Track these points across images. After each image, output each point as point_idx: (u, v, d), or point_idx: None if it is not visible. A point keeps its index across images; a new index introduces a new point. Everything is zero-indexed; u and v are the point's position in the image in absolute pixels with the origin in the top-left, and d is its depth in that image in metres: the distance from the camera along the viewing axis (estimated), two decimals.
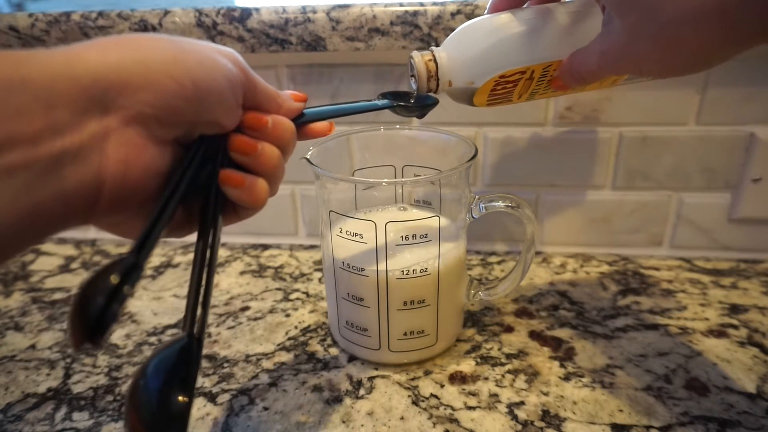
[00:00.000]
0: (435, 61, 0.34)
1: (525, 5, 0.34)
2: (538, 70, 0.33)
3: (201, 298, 0.24)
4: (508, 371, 0.41)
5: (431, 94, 0.36)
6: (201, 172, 0.27)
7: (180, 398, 0.21)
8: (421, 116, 0.39)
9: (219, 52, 0.26)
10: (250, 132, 0.28)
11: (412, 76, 0.35)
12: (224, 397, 0.40)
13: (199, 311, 0.24)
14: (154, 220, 0.23)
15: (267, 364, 0.43)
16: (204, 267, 0.25)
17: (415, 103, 0.37)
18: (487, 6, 0.34)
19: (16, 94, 0.19)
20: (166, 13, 0.51)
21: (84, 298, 0.19)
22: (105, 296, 0.19)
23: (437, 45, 0.49)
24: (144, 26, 0.52)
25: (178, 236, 0.29)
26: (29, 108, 0.20)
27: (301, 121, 0.32)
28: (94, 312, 0.19)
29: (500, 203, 0.40)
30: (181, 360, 0.22)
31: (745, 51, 0.26)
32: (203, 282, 0.25)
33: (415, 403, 0.38)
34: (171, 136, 0.25)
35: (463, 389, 0.40)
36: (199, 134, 0.27)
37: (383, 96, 0.37)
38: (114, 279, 0.20)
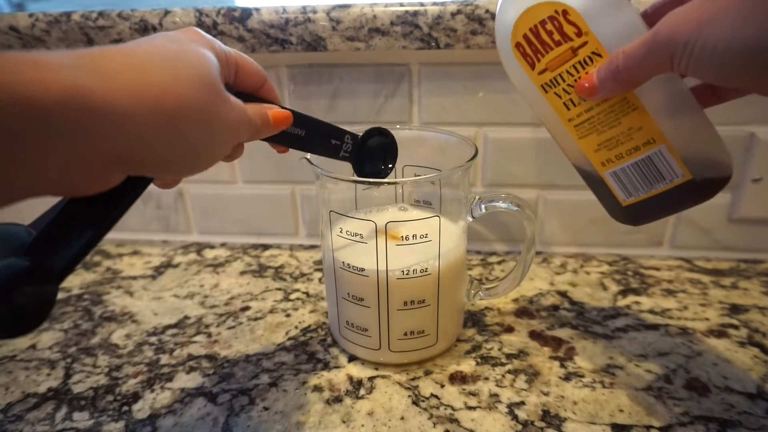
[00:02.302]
0: None
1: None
2: (588, 49, 0.31)
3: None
4: (509, 371, 0.41)
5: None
6: None
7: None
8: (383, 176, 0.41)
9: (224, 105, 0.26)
10: None
11: None
12: (224, 397, 0.40)
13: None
14: (85, 244, 0.23)
15: (267, 364, 0.43)
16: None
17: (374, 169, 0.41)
18: None
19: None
20: (167, 13, 0.51)
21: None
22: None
23: (438, 45, 0.49)
24: (144, 26, 0.52)
25: None
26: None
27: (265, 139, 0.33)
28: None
29: (500, 203, 0.41)
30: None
31: None
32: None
33: (415, 403, 0.38)
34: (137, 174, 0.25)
35: (464, 389, 0.40)
36: None
37: (368, 133, 0.40)
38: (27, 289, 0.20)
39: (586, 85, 0.31)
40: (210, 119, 0.25)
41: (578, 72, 0.32)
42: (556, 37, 0.32)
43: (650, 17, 0.32)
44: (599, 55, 0.31)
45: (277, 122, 0.31)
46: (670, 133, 0.32)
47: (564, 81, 0.33)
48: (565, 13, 0.31)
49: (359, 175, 0.40)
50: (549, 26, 0.32)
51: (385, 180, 0.43)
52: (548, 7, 0.31)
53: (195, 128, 0.24)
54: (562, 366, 0.42)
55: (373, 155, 0.40)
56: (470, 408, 0.38)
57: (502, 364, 0.42)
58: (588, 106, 0.33)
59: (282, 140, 0.34)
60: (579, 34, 0.31)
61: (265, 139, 0.32)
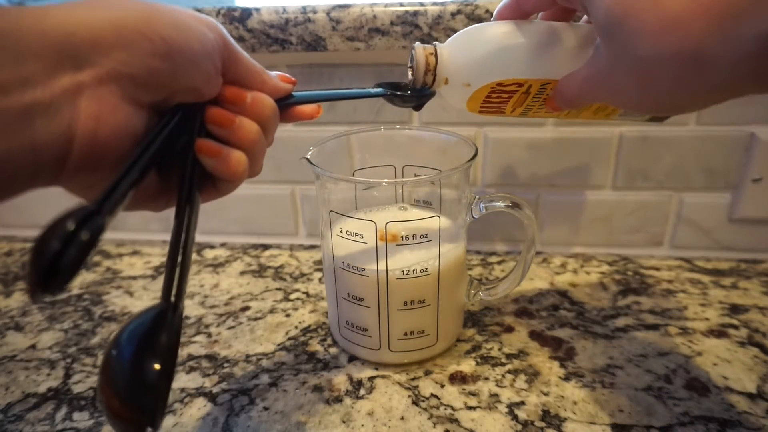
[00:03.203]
0: (436, 56, 0.34)
1: (534, 19, 0.34)
2: (536, 86, 0.33)
3: (179, 269, 0.24)
4: (509, 371, 0.41)
5: (426, 88, 0.36)
6: (178, 141, 0.27)
7: (155, 366, 0.20)
8: (417, 108, 0.38)
9: (195, 19, 0.26)
10: (228, 106, 0.28)
11: (411, 67, 0.35)
12: (224, 397, 0.40)
13: (176, 281, 0.23)
14: (122, 173, 0.23)
15: (267, 364, 0.43)
16: (181, 236, 0.25)
17: (411, 93, 0.37)
18: (494, 13, 0.34)
19: None
20: None
21: (40, 244, 0.19)
22: (60, 241, 0.19)
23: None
24: None
25: (155, 208, 0.29)
26: None
27: (288, 102, 0.32)
28: (49, 257, 0.18)
29: (500, 203, 0.41)
30: (156, 326, 0.21)
31: (721, 102, 0.25)
32: (180, 252, 0.24)
33: (415, 403, 0.38)
34: (148, 99, 0.25)
35: (464, 389, 0.40)
36: (177, 102, 0.27)
37: (379, 86, 0.37)
38: (70, 225, 0.19)
39: (552, 109, 0.34)
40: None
41: (540, 97, 0.34)
42: (505, 95, 0.34)
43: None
44: (548, 83, 0.33)
45: (284, 79, 0.32)
46: None
47: (534, 106, 0.35)
48: (499, 84, 0.33)
49: (407, 96, 0.37)
50: (494, 95, 0.34)
51: (385, 180, 0.43)
52: (483, 90, 0.33)
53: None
54: (562, 366, 0.42)
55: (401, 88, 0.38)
56: (470, 408, 0.38)
57: (502, 364, 0.42)
58: None
59: (305, 99, 0.34)
60: (520, 85, 0.33)
61: (290, 104, 0.33)
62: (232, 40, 0.28)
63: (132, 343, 0.20)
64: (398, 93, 0.37)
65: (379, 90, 0.36)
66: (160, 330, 0.21)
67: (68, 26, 0.22)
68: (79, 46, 0.22)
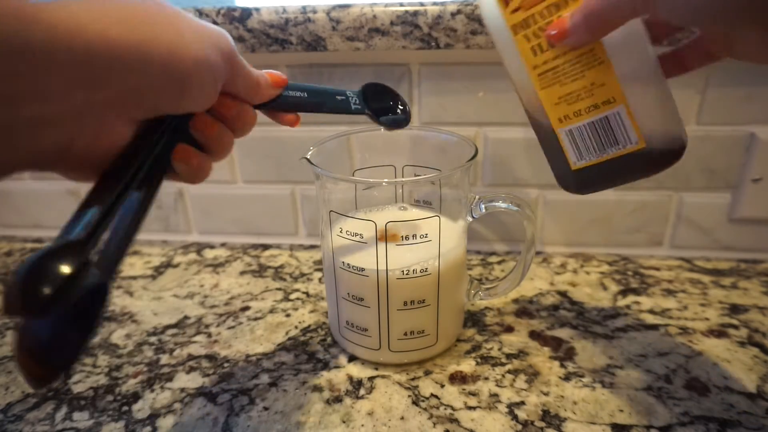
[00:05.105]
0: None
1: None
2: None
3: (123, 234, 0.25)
4: (509, 371, 0.41)
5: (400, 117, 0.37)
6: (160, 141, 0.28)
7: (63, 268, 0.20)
8: (387, 129, 0.40)
9: (214, 47, 0.26)
10: (215, 114, 0.30)
11: None
12: (224, 397, 0.40)
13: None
14: (108, 206, 0.24)
15: (267, 364, 0.43)
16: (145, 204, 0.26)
17: (386, 119, 0.39)
18: None
19: (14, 59, 0.19)
20: None
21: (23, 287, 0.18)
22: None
23: (438, 46, 0.49)
24: None
25: (71, 174, 0.29)
26: (22, 72, 0.20)
27: (270, 107, 0.33)
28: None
29: (500, 203, 0.41)
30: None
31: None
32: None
33: (415, 403, 0.38)
34: (144, 117, 0.26)
35: (464, 389, 0.40)
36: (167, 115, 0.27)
37: (365, 87, 0.38)
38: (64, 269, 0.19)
39: (555, 31, 0.31)
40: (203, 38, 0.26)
41: (551, 15, 0.31)
42: None
43: None
44: None
45: (275, 81, 0.32)
46: (631, 95, 0.31)
47: (535, 23, 0.32)
48: None
49: (382, 122, 0.39)
50: None
51: (385, 180, 0.43)
52: None
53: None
54: (562, 366, 0.42)
55: (382, 102, 0.40)
56: (470, 408, 0.38)
57: (502, 364, 0.42)
58: (555, 54, 0.32)
59: (287, 105, 0.34)
60: None
61: (272, 108, 0.33)
62: (239, 57, 0.29)
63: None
64: (370, 113, 0.39)
65: (358, 107, 0.38)
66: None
67: (98, 48, 0.22)
68: (99, 67, 0.22)
